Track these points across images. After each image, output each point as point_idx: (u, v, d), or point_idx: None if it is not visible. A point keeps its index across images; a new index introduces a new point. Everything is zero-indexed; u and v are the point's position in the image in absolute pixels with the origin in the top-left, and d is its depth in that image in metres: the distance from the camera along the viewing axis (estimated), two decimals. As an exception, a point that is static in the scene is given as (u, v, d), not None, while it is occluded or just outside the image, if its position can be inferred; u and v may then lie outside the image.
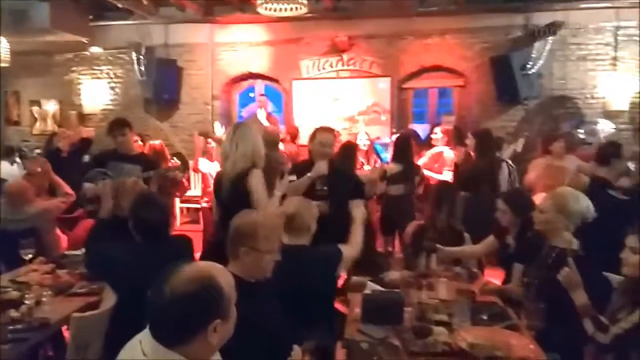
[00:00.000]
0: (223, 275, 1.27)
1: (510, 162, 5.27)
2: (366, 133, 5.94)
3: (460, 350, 1.96)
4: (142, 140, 5.51)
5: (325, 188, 3.39)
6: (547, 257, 2.41)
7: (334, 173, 3.46)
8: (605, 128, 6.37)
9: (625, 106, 6.50)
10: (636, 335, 1.93)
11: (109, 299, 2.39)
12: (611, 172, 3.69)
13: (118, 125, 4.10)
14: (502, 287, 2.81)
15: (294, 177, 3.44)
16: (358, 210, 2.96)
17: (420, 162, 5.43)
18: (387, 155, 6.03)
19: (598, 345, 2.02)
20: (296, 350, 1.52)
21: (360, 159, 5.40)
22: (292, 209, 2.50)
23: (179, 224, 6.33)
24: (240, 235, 1.93)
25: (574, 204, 2.44)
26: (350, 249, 2.69)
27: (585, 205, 2.44)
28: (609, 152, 3.80)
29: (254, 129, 3.36)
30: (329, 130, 3.66)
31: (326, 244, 2.61)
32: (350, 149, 4.84)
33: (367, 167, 5.46)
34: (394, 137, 5.56)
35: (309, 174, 3.36)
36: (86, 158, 4.81)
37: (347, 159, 4.58)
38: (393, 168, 4.75)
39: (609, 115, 6.53)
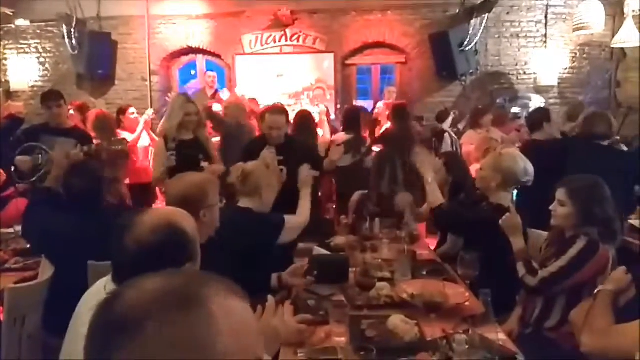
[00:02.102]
0: (184, 218, 1.27)
1: (452, 133, 5.50)
2: (317, 105, 5.96)
3: (401, 302, 2.05)
4: (81, 112, 5.24)
5: (280, 158, 3.33)
6: (483, 211, 2.56)
7: (289, 144, 3.44)
8: (536, 102, 6.73)
9: (554, 81, 6.87)
10: (561, 279, 2.08)
11: (47, 271, 2.30)
12: (544, 135, 3.91)
13: (52, 96, 3.93)
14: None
15: None
16: (304, 176, 2.96)
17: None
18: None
19: (526, 287, 2.17)
20: (270, 300, 1.52)
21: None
22: (250, 168, 2.53)
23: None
24: (195, 199, 1.87)
25: (510, 163, 2.57)
26: (298, 218, 2.72)
27: (521, 166, 2.57)
28: (541, 117, 4.02)
29: (175, 101, 3.67)
30: (278, 111, 3.51)
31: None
32: (305, 117, 4.72)
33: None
34: (343, 109, 5.63)
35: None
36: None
37: (304, 128, 4.50)
38: (341, 138, 4.78)
39: (540, 90, 6.89)
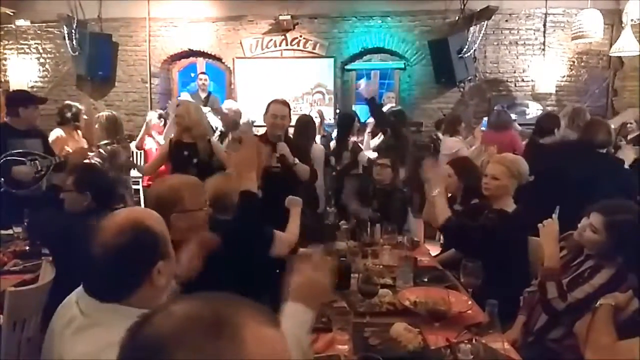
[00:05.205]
0: (151, 217, 1.24)
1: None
2: (318, 112, 5.97)
3: (403, 309, 2.05)
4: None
5: (278, 165, 3.36)
6: (487, 217, 2.57)
7: (288, 143, 3.44)
8: (533, 110, 6.78)
9: (552, 89, 6.90)
10: (587, 305, 1.93)
11: (48, 274, 2.29)
12: (552, 140, 3.92)
13: (29, 100, 3.79)
14: None
15: None
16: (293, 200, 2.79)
17: None
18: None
19: (551, 309, 2.07)
20: (316, 250, 1.44)
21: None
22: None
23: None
24: (165, 202, 1.83)
25: (523, 167, 2.61)
26: (287, 235, 2.57)
27: (526, 166, 2.62)
28: (553, 124, 4.03)
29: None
30: (282, 101, 3.59)
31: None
32: (305, 122, 4.67)
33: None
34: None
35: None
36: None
37: (303, 134, 4.47)
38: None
39: (538, 97, 6.93)
